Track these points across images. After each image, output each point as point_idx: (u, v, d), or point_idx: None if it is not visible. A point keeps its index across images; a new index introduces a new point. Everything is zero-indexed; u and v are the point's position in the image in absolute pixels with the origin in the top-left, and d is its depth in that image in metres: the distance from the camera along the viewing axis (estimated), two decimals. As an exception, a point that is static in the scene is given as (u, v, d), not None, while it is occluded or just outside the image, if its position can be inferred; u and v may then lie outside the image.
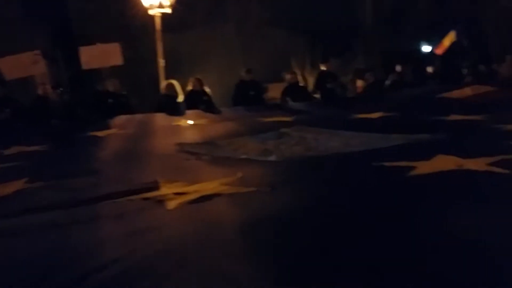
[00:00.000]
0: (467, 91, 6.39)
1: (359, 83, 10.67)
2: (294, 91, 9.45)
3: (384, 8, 16.86)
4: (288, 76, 9.62)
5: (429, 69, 11.40)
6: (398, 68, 10.10)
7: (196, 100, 8.44)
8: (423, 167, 2.99)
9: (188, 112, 7.53)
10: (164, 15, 11.02)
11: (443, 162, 3.04)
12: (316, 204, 2.69)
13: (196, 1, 14.92)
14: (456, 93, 6.42)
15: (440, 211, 2.37)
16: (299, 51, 16.03)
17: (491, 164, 2.89)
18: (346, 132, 4.68)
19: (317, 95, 9.84)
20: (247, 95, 8.89)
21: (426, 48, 16.80)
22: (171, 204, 2.80)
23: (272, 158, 3.92)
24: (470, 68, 10.21)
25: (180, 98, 8.19)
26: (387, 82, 9.81)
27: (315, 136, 4.71)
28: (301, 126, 5.40)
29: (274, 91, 11.63)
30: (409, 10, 16.37)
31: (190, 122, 6.62)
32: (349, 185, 2.99)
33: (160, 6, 10.85)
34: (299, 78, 9.98)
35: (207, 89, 8.86)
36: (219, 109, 8.14)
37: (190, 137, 5.58)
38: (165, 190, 3.08)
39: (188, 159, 4.19)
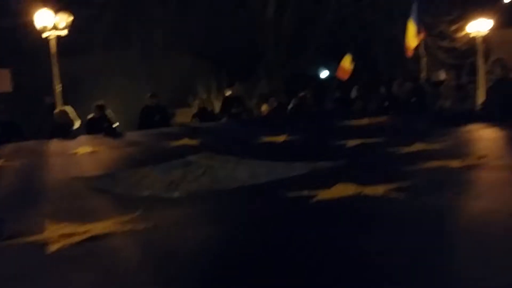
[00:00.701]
0: (365, 121, 6.60)
1: (264, 107, 10.76)
2: (203, 116, 9.37)
3: (284, 34, 17.33)
4: (196, 102, 9.55)
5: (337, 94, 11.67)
6: (302, 93, 10.32)
7: (97, 126, 7.99)
8: (325, 195, 2.99)
9: (88, 137, 7.01)
10: (62, 38, 10.34)
11: (343, 190, 3.03)
12: (218, 241, 2.48)
13: (96, 23, 14.33)
14: (354, 122, 6.59)
15: (342, 237, 2.32)
16: (205, 76, 15.94)
17: (389, 191, 2.90)
18: (253, 161, 4.54)
19: (224, 120, 9.76)
20: (152, 121, 8.56)
21: (324, 73, 17.49)
22: (53, 247, 2.43)
23: (176, 194, 3.62)
24: (360, 91, 10.59)
25: (76, 124, 7.68)
26: (290, 106, 9.97)
27: (223, 164, 4.53)
28: (208, 153, 5.19)
29: (182, 116, 11.38)
30: (308, 36, 16.96)
31: (88, 149, 6.08)
32: (252, 219, 2.85)
33: (55, 28, 10.14)
34: (207, 103, 9.92)
35: (109, 114, 8.42)
36: (121, 133, 7.72)
37: (87, 168, 5.07)
38: (51, 232, 2.69)
39: (82, 195, 3.77)
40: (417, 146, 4.38)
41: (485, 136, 5.13)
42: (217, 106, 12.26)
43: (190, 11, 15.77)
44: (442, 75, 10.26)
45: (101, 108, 8.39)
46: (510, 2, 16.46)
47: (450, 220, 2.46)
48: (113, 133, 7.54)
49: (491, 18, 10.87)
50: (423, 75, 10.24)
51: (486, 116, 7.21)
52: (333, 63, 13.54)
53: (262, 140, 5.81)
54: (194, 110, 9.49)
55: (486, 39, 11.15)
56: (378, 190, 2.93)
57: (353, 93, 10.48)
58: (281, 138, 5.72)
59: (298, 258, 2.10)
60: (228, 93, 10.50)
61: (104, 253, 2.40)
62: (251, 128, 7.60)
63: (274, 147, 5.48)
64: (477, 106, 9.72)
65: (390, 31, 14.80)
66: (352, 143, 4.95)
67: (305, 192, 3.04)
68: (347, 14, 17.38)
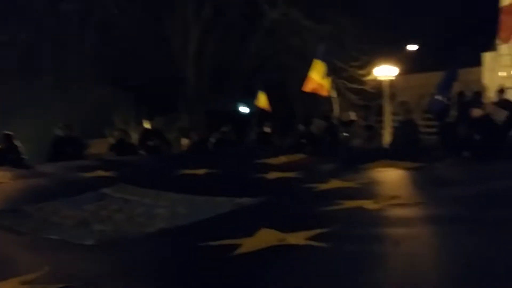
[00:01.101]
0: (282, 159, 6.65)
1: (184, 141, 10.61)
2: (121, 148, 9.00)
3: (204, 71, 17.46)
4: (115, 133, 9.18)
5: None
6: (224, 128, 10.34)
7: (4, 157, 7.41)
8: (247, 244, 2.81)
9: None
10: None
11: (266, 238, 2.88)
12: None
13: (8, 51, 13.52)
14: (271, 160, 6.61)
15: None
16: (123, 107, 15.51)
17: (310, 238, 2.81)
18: (172, 195, 4.37)
19: (142, 152, 9.47)
20: (64, 152, 8.08)
21: (244, 109, 17.73)
22: None
23: (88, 242, 3.25)
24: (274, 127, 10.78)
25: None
26: (212, 141, 9.93)
27: (140, 199, 4.30)
28: (124, 185, 4.93)
29: (97, 147, 10.89)
30: (228, 74, 17.23)
31: None
32: (165, 272, 2.62)
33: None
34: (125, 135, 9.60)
35: (17, 144, 7.86)
36: (30, 164, 7.19)
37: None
38: None
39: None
40: (333, 183, 4.45)
41: (394, 174, 5.36)
42: (135, 138, 11.91)
43: (109, 40, 15.42)
44: (352, 115, 10.79)
45: (9, 137, 7.81)
46: (413, 51, 17.99)
47: (371, 268, 2.43)
48: (21, 165, 7.01)
49: (396, 65, 11.74)
50: (335, 114, 10.72)
51: (393, 154, 7.63)
52: (252, 100, 13.80)
53: (182, 172, 5.66)
54: (110, 141, 9.09)
55: (392, 83, 11.99)
56: (300, 238, 2.82)
57: (267, 129, 10.71)
58: (201, 171, 5.62)
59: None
60: (147, 125, 10.25)
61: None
62: (171, 161, 7.41)
63: (194, 180, 5.35)
64: (384, 145, 10.31)
65: (303, 72, 15.45)
66: (271, 176, 4.97)
67: (228, 241, 2.85)
68: (264, 55, 17.96)
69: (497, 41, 11.64)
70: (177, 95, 16.59)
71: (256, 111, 12.56)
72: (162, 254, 2.98)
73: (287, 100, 16.97)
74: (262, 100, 12.25)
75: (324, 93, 10.12)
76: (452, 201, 3.70)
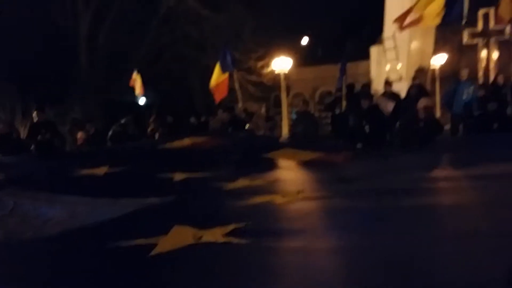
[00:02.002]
0: (186, 141, 6.51)
1: (80, 134, 9.85)
2: (4, 144, 8.10)
3: (98, 58, 16.46)
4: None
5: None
6: (123, 119, 9.80)
7: None
8: (163, 244, 2.63)
9: None
10: None
11: (182, 236, 2.74)
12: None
13: None
14: (176, 144, 6.46)
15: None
16: (8, 99, 14.07)
17: (227, 234, 2.74)
18: (70, 197, 3.98)
19: (32, 148, 8.62)
20: None
21: (142, 100, 17.04)
22: None
23: None
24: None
25: None
26: (110, 133, 9.37)
27: (33, 201, 3.87)
28: (14, 188, 4.43)
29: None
30: (125, 62, 16.39)
31: None
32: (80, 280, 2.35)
33: None
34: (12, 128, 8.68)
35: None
36: None
37: None
38: None
39: None
40: (242, 182, 4.39)
41: (298, 168, 5.44)
42: (23, 132, 10.87)
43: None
44: (254, 107, 10.87)
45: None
46: (306, 45, 18.56)
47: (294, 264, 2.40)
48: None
49: (291, 57, 11.99)
50: (239, 106, 10.71)
51: (295, 144, 7.81)
52: (150, 91, 13.26)
53: (80, 173, 5.21)
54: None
55: (287, 76, 12.24)
56: (217, 234, 2.73)
57: (169, 119, 10.42)
58: (102, 170, 5.22)
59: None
60: (36, 117, 9.35)
61: None
62: (66, 160, 6.83)
63: (94, 180, 4.95)
64: (284, 135, 10.53)
65: (203, 63, 15.21)
66: (179, 177, 4.76)
67: (142, 241, 2.65)
68: (162, 44, 17.39)
69: (383, 35, 12.42)
70: (69, 83, 15.42)
71: (156, 102, 12.11)
72: (64, 257, 2.71)
73: (188, 92, 16.66)
74: (137, 85, 11.65)
75: (225, 91, 10.00)
76: (352, 194, 3.86)
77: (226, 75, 9.77)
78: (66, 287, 2.25)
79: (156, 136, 9.82)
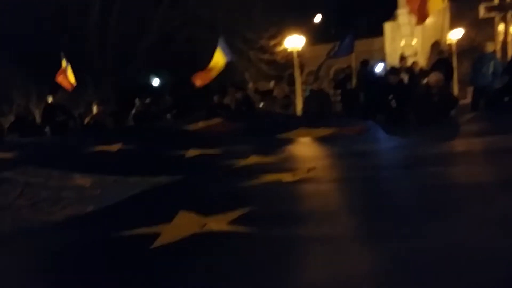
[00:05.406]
0: (201, 124, 6.45)
1: (96, 107, 9.79)
2: (21, 126, 8.13)
3: (110, 42, 16.36)
4: (14, 110, 8.28)
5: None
6: (146, 100, 9.77)
7: None
8: (167, 233, 2.48)
9: None
10: None
11: (186, 224, 2.59)
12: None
13: None
14: (193, 126, 6.39)
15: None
16: (22, 83, 14.11)
17: (232, 222, 2.56)
18: (80, 177, 3.93)
19: (47, 130, 8.65)
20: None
21: (155, 82, 16.99)
22: None
23: None
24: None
25: None
26: (133, 112, 9.35)
27: (44, 181, 3.83)
28: (26, 167, 4.39)
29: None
30: (136, 46, 16.28)
31: None
32: (73, 269, 2.26)
33: None
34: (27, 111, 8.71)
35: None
36: None
37: None
38: None
39: None
40: (253, 159, 4.25)
41: (311, 144, 5.30)
42: (37, 115, 10.92)
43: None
44: (271, 85, 10.72)
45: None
46: (318, 22, 18.24)
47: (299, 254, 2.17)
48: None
49: (303, 35, 11.77)
50: (250, 85, 10.57)
51: (307, 122, 7.66)
52: (163, 72, 13.18)
53: (93, 149, 5.17)
54: (10, 119, 8.18)
55: (300, 54, 12.04)
56: (222, 222, 2.55)
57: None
58: (115, 147, 5.17)
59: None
60: (50, 100, 9.36)
61: None
62: (80, 137, 6.80)
63: (107, 156, 4.90)
64: (297, 112, 10.39)
65: (214, 44, 15.01)
66: (191, 153, 4.68)
67: (145, 230, 2.52)
68: (173, 27, 17.20)
69: (397, 11, 12.11)
70: (83, 67, 15.38)
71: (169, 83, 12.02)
72: (68, 247, 2.59)
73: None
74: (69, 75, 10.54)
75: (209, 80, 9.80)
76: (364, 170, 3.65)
77: (223, 63, 9.59)
78: (68, 275, 2.17)
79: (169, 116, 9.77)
